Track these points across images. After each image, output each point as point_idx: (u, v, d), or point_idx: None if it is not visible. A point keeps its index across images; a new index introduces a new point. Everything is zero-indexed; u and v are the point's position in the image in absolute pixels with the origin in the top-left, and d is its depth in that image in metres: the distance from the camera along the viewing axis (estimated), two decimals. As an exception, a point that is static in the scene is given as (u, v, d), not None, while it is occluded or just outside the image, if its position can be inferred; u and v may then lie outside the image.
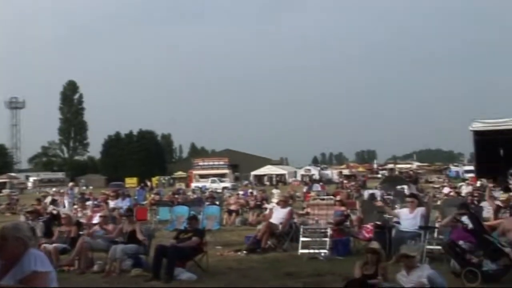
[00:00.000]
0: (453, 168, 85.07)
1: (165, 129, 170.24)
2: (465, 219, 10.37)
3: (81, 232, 11.74)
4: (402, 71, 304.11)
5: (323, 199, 17.19)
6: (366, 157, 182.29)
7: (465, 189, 26.45)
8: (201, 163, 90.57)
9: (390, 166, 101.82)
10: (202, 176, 79.19)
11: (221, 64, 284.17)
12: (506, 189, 18.24)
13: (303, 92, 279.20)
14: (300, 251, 12.54)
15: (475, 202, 17.27)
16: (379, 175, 75.08)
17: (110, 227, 11.88)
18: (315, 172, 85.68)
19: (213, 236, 14.75)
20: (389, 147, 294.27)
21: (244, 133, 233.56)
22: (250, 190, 35.24)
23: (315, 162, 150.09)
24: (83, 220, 15.06)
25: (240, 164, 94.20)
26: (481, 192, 21.88)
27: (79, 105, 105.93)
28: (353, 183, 45.34)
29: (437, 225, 12.39)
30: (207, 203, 20.29)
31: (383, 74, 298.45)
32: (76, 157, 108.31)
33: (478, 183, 28.08)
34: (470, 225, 9.87)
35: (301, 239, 12.80)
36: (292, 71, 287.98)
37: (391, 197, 23.49)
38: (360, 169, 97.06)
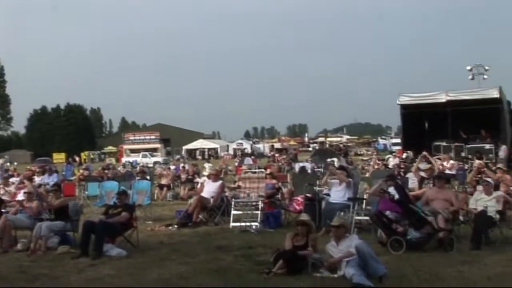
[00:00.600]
0: (381, 141, 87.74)
1: (94, 103, 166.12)
2: (391, 190, 10.66)
3: (3, 210, 11.22)
4: (332, 48, 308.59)
5: (254, 173, 17.24)
6: (297, 130, 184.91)
7: (392, 162, 27.24)
8: (132, 138, 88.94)
9: (321, 139, 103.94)
10: (133, 151, 78.10)
11: (152, 38, 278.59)
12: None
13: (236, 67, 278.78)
14: (232, 224, 12.55)
15: (402, 174, 17.83)
16: (310, 149, 76.35)
17: (34, 204, 11.43)
18: (247, 146, 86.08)
19: (144, 211, 14.50)
20: (320, 121, 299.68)
21: (176, 107, 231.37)
22: (182, 165, 34.95)
23: (247, 136, 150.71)
24: (6, 198, 14.42)
25: (171, 138, 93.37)
26: (407, 164, 22.63)
27: (0, 77, 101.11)
28: (284, 156, 45.79)
29: (365, 196, 12.71)
30: (138, 178, 19.91)
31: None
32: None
33: (404, 155, 28.98)
34: (397, 196, 10.15)
35: (233, 212, 12.81)
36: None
37: (321, 169, 23.91)
38: (292, 142, 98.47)
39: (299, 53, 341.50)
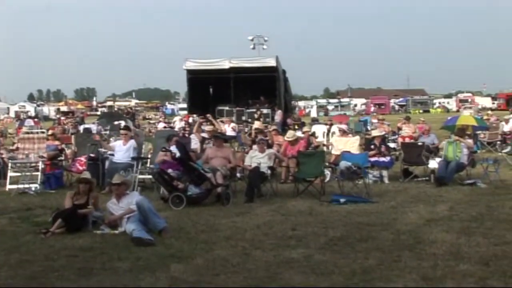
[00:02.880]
0: (169, 106, 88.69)
1: None
2: (173, 148, 11.00)
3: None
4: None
5: (35, 134, 16.32)
6: (85, 94, 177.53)
7: (178, 124, 27.86)
8: None
9: (109, 103, 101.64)
10: None
11: None
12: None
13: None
14: (8, 187, 11.90)
15: (186, 135, 18.40)
16: (99, 112, 74.06)
17: None
18: (30, 108, 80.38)
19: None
20: (109, 85, 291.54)
21: None
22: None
23: (31, 98, 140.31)
24: None
25: None
26: (192, 126, 23.31)
27: None
28: (71, 119, 43.89)
29: (149, 156, 12.94)
30: None
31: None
32: None
33: (191, 119, 29.74)
34: (178, 154, 10.51)
35: (10, 174, 12.13)
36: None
37: (108, 131, 23.53)
38: (79, 106, 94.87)
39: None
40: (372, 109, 67.56)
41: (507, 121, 22.53)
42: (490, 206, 9.55)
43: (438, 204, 9.93)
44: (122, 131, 13.14)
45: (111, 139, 14.60)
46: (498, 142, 19.84)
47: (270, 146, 13.70)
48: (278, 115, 27.96)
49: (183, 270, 6.08)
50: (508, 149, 17.27)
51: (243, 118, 29.58)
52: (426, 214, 9.01)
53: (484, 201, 10.10)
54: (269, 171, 11.35)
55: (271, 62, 29.78)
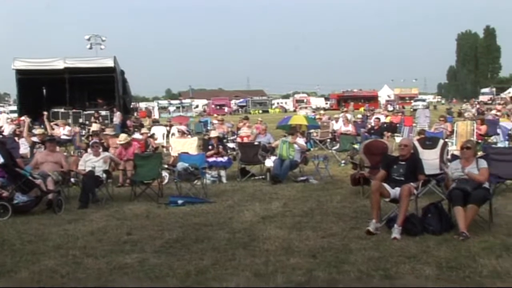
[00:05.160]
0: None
1: None
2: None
3: None
4: None
5: None
6: None
7: (8, 129, 25.89)
8: None
9: None
10: None
11: None
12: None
13: None
14: None
15: (16, 139, 17.17)
16: None
17: None
18: None
19: None
20: None
21: None
22: None
23: None
24: None
25: None
26: (22, 129, 21.81)
27: None
28: None
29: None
30: None
31: None
32: None
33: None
34: (1, 160, 9.73)
35: None
36: None
37: None
38: None
39: None
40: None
41: (337, 119, 24.13)
42: (320, 201, 10.10)
43: (273, 201, 10.30)
44: None
45: None
46: (329, 140, 21.10)
47: (106, 149, 13.27)
48: (117, 117, 27.19)
49: (3, 286, 5.61)
50: (337, 146, 18.42)
51: (80, 120, 28.35)
52: (261, 211, 9.28)
53: (315, 196, 10.66)
54: (104, 175, 10.95)
55: (109, 63, 28.80)
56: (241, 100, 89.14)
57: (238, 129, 21.85)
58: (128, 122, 28.08)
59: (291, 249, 6.77)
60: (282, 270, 5.91)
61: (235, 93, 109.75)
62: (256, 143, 14.71)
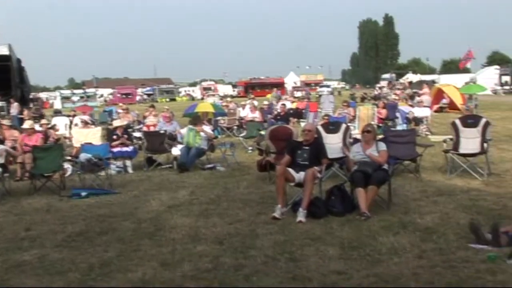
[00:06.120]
0: None
1: None
2: None
3: None
4: None
5: None
6: None
7: None
8: None
9: None
10: None
11: None
12: None
13: None
14: None
15: None
16: None
17: None
18: None
19: None
20: None
21: None
22: None
23: None
24: None
25: None
26: None
27: None
28: None
29: None
30: None
31: None
32: None
33: None
34: None
35: None
36: None
37: None
38: None
39: None
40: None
41: (244, 106, 24.26)
42: (227, 188, 10.11)
43: (180, 189, 10.19)
44: None
45: None
46: (236, 127, 21.18)
47: (2, 141, 12.58)
48: (15, 108, 25.84)
49: None
50: (244, 133, 18.51)
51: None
52: (168, 200, 9.16)
53: (222, 183, 10.66)
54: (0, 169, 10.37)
55: (3, 51, 27.23)
56: (148, 88, 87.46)
57: (144, 117, 21.40)
58: (25, 113, 26.76)
59: (198, 236, 6.74)
60: (189, 258, 5.86)
61: (142, 81, 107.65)
62: (162, 131, 14.47)
